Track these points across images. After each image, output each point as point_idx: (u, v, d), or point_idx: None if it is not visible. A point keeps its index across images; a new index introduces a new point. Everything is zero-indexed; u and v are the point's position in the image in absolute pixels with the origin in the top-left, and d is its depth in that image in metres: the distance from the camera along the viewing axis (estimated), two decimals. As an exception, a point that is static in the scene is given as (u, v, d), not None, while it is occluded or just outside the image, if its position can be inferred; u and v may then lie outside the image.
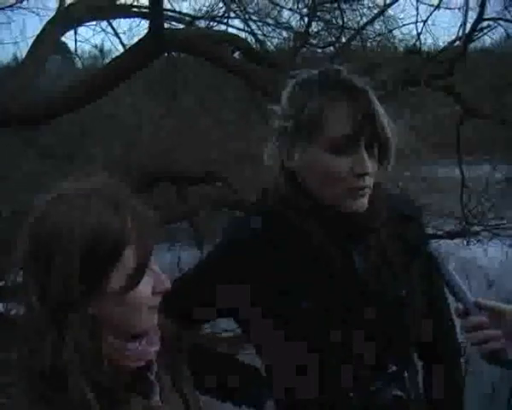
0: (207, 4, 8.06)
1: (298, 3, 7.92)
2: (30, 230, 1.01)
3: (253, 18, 7.88)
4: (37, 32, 6.52)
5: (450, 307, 1.52)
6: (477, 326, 1.23)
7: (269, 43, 8.20)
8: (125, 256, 1.01)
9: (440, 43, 8.14)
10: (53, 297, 0.97)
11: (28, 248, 1.00)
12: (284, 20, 8.20)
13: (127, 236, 1.01)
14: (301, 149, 1.30)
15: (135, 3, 7.89)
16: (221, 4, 7.84)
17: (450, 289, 1.27)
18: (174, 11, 7.96)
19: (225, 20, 7.79)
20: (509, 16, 7.26)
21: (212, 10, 8.01)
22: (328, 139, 1.26)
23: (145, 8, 7.43)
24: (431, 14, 7.25)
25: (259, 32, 7.96)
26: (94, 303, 1.00)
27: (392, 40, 8.45)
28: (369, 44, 8.16)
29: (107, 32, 8.56)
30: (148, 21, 5.45)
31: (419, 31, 7.25)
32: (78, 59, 9.12)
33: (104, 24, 7.96)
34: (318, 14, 7.69)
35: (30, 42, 6.65)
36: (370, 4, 7.93)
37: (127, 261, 1.01)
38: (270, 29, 8.15)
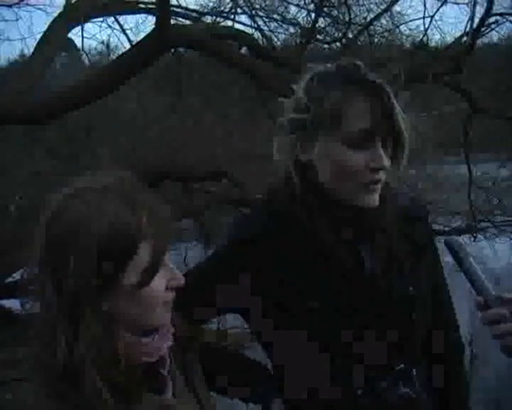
0: (214, 0, 8.07)
1: (304, -1, 7.91)
2: (46, 225, 1.01)
3: (260, 14, 7.88)
4: (45, 28, 6.55)
5: (453, 304, 1.52)
6: (498, 319, 1.21)
7: (275, 39, 8.20)
8: (140, 252, 1.01)
9: (448, 39, 8.13)
10: (69, 292, 0.97)
11: (45, 243, 1.01)
12: (291, 16, 8.20)
13: (142, 231, 1.01)
14: (318, 142, 1.29)
15: (141, -1, 7.90)
16: (228, 0, 7.85)
17: (472, 282, 1.25)
18: (181, 7, 7.96)
19: (232, 16, 7.79)
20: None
21: (219, 6, 8.02)
22: (346, 133, 1.26)
23: (152, 4, 7.44)
24: (438, 10, 7.26)
25: (266, 28, 7.97)
26: (109, 298, 1.00)
27: (399, 36, 8.42)
28: (375, 40, 8.14)
29: (113, 29, 8.56)
30: (154, 17, 5.45)
31: (426, 26, 7.26)
32: (84, 55, 9.13)
33: (111, 20, 7.98)
34: (325, 9, 7.68)
35: (37, 38, 6.67)
36: (377, 0, 7.91)
37: (142, 257, 1.01)
38: (276, 25, 8.16)
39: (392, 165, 1.31)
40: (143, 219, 1.01)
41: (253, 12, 7.68)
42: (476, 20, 6.39)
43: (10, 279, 6.08)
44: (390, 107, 1.26)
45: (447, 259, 1.34)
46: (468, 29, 6.68)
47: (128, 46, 7.56)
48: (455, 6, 7.71)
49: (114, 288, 1.00)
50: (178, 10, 7.82)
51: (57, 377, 0.97)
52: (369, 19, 7.71)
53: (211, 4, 8.12)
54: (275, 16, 8.08)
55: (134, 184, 1.07)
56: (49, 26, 6.52)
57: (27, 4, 7.63)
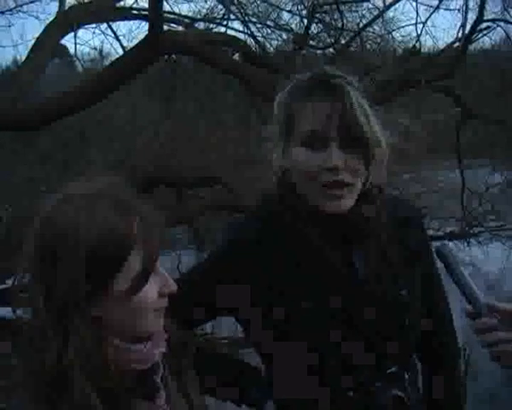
0: (207, 6, 8.09)
1: (297, 5, 7.94)
2: (36, 231, 1.01)
3: (253, 20, 7.89)
4: (37, 35, 6.53)
5: (450, 309, 1.52)
6: (488, 328, 1.22)
7: (268, 45, 8.22)
8: (131, 259, 1.00)
9: (440, 45, 8.16)
10: (58, 299, 0.97)
11: (34, 249, 1.00)
12: (284, 22, 8.21)
13: (133, 238, 1.00)
14: (284, 148, 1.33)
15: (134, 6, 7.90)
16: (220, 6, 7.86)
17: (462, 290, 1.25)
18: (174, 13, 7.97)
19: (225, 23, 7.80)
20: (508, 17, 7.28)
21: (212, 12, 8.03)
22: (299, 135, 1.29)
23: (145, 10, 7.43)
24: (430, 16, 7.28)
25: (259, 34, 7.98)
26: (99, 305, 1.00)
27: (391, 42, 8.46)
28: (368, 46, 8.17)
29: (106, 35, 8.56)
30: (147, 24, 5.45)
31: (418, 32, 7.28)
32: (77, 62, 9.11)
33: (104, 26, 7.97)
34: (318, 15, 7.70)
35: (30, 45, 6.66)
36: (370, 6, 7.95)
37: (133, 264, 1.01)
38: (269, 31, 8.17)
39: (368, 169, 1.30)
40: (134, 225, 1.01)
41: (246, 18, 7.69)
42: (468, 27, 6.43)
43: (2, 286, 6.05)
44: (346, 107, 1.25)
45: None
46: (460, 35, 6.72)
47: (121, 52, 7.56)
48: (447, 12, 7.76)
49: (104, 294, 0.99)
50: (171, 17, 7.83)
51: (47, 384, 0.96)
52: (361, 25, 7.74)
53: (204, 10, 8.14)
54: (268, 22, 8.10)
55: (125, 190, 1.07)
56: (42, 32, 6.50)
57: (20, 11, 7.62)
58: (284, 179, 1.35)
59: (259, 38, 7.90)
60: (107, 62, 8.08)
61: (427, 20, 7.28)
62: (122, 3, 7.83)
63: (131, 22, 8.17)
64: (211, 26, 7.83)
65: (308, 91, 1.30)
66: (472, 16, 6.47)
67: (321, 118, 1.26)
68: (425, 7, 7.51)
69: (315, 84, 1.30)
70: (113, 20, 7.91)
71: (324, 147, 1.26)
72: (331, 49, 7.69)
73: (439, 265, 1.34)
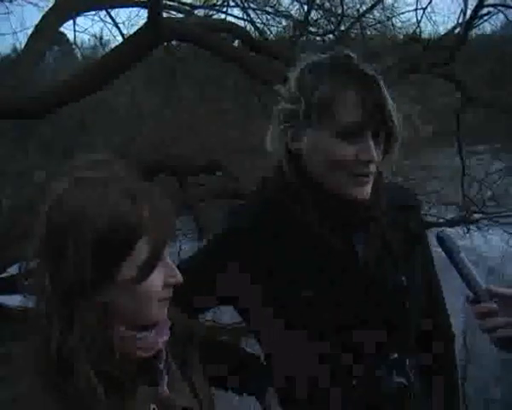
0: (206, -7, 8.05)
1: (297, -9, 7.90)
2: (47, 214, 1.00)
3: (253, 6, 7.87)
4: (36, 22, 6.50)
5: (443, 293, 1.53)
6: (487, 313, 1.23)
7: (268, 32, 8.19)
8: (139, 247, 1.00)
9: (440, 31, 8.14)
10: (64, 283, 0.97)
11: (45, 232, 0.99)
12: (283, 9, 8.19)
13: (142, 226, 1.00)
14: (309, 132, 1.29)
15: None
16: (220, -7, 7.84)
17: (462, 277, 1.26)
18: (173, 0, 7.93)
19: (224, 9, 7.78)
20: (509, 2, 7.24)
21: (211, -1, 8.01)
22: (337, 125, 1.26)
23: (144, -3, 7.40)
24: (431, 1, 7.26)
25: (259, 21, 7.96)
26: (104, 291, 0.99)
27: (391, 28, 8.43)
28: (368, 32, 8.14)
29: (105, 22, 8.52)
30: (147, 11, 5.43)
31: (419, 18, 7.26)
32: (77, 49, 9.08)
33: (103, 14, 7.94)
34: (317, 2, 7.67)
35: (29, 33, 6.63)
36: (370, -8, 7.91)
37: (140, 252, 1.00)
38: (269, 17, 8.14)
39: (385, 157, 1.31)
40: (144, 212, 1.00)
41: (246, 4, 7.67)
42: (469, 12, 6.40)
43: (3, 275, 6.05)
44: (382, 99, 1.25)
45: (440, 249, 1.35)
46: (460, 20, 6.70)
47: (121, 40, 7.54)
48: (447, -3, 7.73)
49: (110, 281, 0.99)
50: (171, 3, 7.80)
51: (52, 369, 0.96)
52: (361, 11, 7.71)
53: (203, -3, 8.11)
54: (267, 9, 8.07)
55: (137, 177, 1.06)
56: (41, 19, 6.47)
57: (19, -1, 7.58)
58: (296, 163, 1.32)
59: (259, 25, 7.89)
60: (106, 50, 8.06)
61: (427, 5, 7.28)
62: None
63: (130, 9, 8.14)
64: (210, 12, 7.81)
65: (344, 79, 1.27)
66: (472, 2, 6.45)
67: (362, 110, 1.24)
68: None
69: (348, 71, 1.28)
70: (113, 7, 7.88)
71: (360, 138, 1.26)
72: (331, 36, 7.67)
73: (440, 251, 1.35)
